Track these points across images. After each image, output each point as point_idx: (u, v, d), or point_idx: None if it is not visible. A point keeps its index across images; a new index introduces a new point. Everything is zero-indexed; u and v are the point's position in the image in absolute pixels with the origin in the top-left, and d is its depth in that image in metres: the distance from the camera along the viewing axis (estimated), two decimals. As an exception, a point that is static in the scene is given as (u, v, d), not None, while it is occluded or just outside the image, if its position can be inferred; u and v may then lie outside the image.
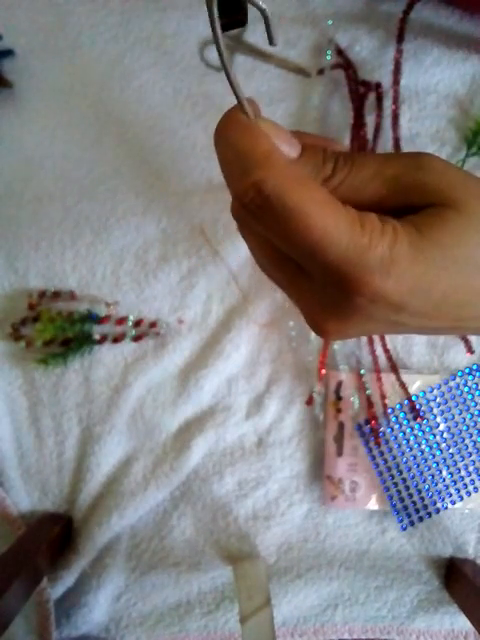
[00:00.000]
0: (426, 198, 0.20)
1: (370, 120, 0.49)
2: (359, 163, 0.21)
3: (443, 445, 0.48)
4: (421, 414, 0.48)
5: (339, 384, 0.48)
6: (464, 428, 0.48)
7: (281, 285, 0.24)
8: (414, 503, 0.48)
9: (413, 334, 0.23)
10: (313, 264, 0.20)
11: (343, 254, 0.19)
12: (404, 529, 0.48)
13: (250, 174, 0.19)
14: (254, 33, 0.49)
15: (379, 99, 0.49)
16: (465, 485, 0.48)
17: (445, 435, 0.48)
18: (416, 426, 0.48)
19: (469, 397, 0.48)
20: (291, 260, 0.21)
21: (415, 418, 0.48)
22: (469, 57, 0.49)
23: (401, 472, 0.48)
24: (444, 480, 0.48)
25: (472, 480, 0.48)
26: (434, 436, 0.48)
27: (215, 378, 0.49)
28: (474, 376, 0.48)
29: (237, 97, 0.20)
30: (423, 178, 0.20)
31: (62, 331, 0.49)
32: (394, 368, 0.48)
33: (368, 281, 0.19)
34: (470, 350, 0.49)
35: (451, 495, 0.48)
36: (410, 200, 0.20)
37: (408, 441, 0.48)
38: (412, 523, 0.48)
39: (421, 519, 0.48)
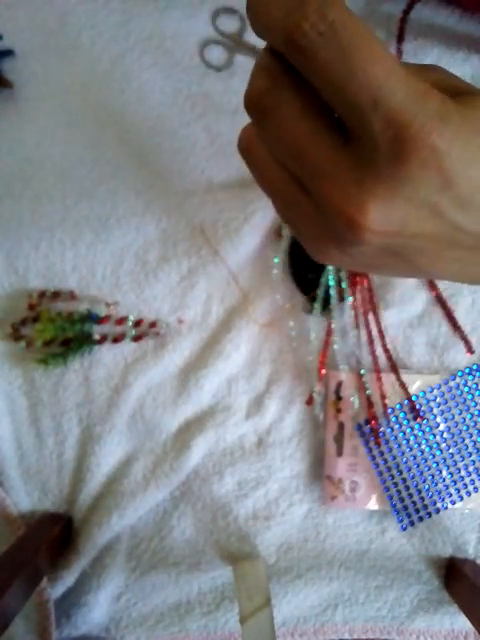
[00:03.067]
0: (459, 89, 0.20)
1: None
2: (426, 70, 0.20)
3: (443, 445, 0.48)
4: (421, 414, 0.48)
5: (339, 384, 0.48)
6: (464, 428, 0.48)
7: (306, 180, 0.21)
8: (414, 503, 0.48)
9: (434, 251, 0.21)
10: (370, 111, 0.18)
11: (403, 98, 0.17)
12: (404, 529, 0.48)
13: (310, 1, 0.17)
14: (254, 33, 0.49)
15: (379, 99, 0.49)
16: (465, 485, 0.48)
17: (445, 435, 0.48)
18: (416, 426, 0.48)
19: (469, 397, 0.48)
20: (327, 132, 0.20)
21: (415, 418, 0.48)
22: (469, 57, 0.49)
23: (401, 472, 0.48)
24: (444, 480, 0.48)
25: (472, 480, 0.48)
26: (434, 436, 0.48)
27: (215, 378, 0.49)
28: (474, 376, 0.48)
29: None
30: (448, 79, 0.20)
31: (62, 331, 0.49)
32: (394, 368, 0.48)
33: (428, 131, 0.17)
34: (470, 350, 0.49)
35: (451, 495, 0.48)
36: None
37: (408, 441, 0.48)
38: (412, 523, 0.48)
39: (421, 519, 0.48)
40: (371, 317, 0.49)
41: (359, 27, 0.17)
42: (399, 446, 0.48)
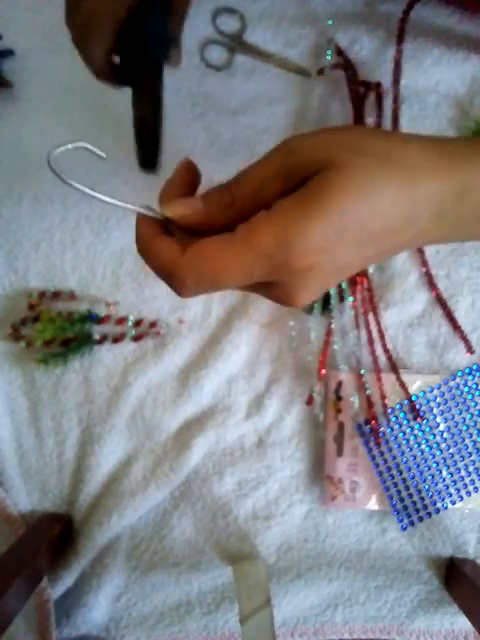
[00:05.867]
0: (311, 171, 0.23)
1: (370, 120, 0.49)
2: (244, 177, 0.24)
3: (443, 445, 0.48)
4: (421, 414, 0.48)
5: (339, 384, 0.48)
6: (464, 428, 0.48)
7: (256, 293, 0.28)
8: (414, 503, 0.48)
9: (367, 265, 0.27)
10: (253, 283, 0.25)
11: (260, 265, 0.23)
12: (404, 529, 0.48)
13: (173, 281, 0.24)
14: (254, 33, 0.49)
15: (379, 99, 0.49)
16: (465, 485, 0.48)
17: (445, 435, 0.48)
18: (416, 426, 0.48)
19: (469, 397, 0.48)
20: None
21: (415, 418, 0.48)
22: (469, 57, 0.49)
23: (401, 472, 0.48)
24: (444, 480, 0.48)
25: (472, 480, 0.48)
26: (434, 436, 0.48)
27: (215, 378, 0.49)
28: (474, 376, 0.48)
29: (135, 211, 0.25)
30: (297, 159, 0.23)
31: (62, 331, 0.49)
32: (394, 368, 0.48)
33: (288, 263, 0.23)
34: (470, 350, 0.49)
35: (451, 495, 0.48)
36: (301, 178, 0.23)
37: (408, 441, 0.48)
38: (412, 523, 0.48)
39: (421, 519, 0.48)
40: (371, 317, 0.49)
41: (204, 267, 0.23)
42: (399, 446, 0.48)
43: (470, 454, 0.48)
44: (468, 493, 0.48)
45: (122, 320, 0.49)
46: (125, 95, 0.51)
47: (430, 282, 0.49)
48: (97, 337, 0.49)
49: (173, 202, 0.26)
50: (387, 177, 0.23)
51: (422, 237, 0.26)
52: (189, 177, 0.28)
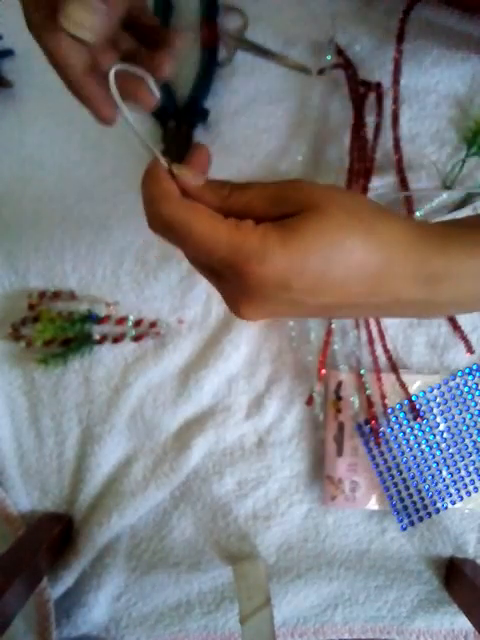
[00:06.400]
0: (298, 207, 0.25)
1: (370, 120, 0.49)
2: (247, 187, 0.27)
3: (443, 445, 0.48)
4: (421, 414, 0.48)
5: (339, 384, 0.48)
6: (464, 428, 0.48)
7: (208, 280, 0.30)
8: (414, 503, 0.48)
9: (325, 316, 0.28)
10: (211, 262, 0.26)
11: (226, 250, 0.25)
12: (404, 529, 0.48)
13: (153, 205, 0.26)
14: (254, 32, 0.49)
15: (379, 99, 0.49)
16: (465, 485, 0.48)
17: (445, 435, 0.48)
18: (416, 426, 0.48)
19: (469, 397, 0.48)
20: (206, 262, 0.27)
21: (415, 418, 0.48)
22: (469, 57, 0.49)
23: (401, 472, 0.48)
24: (444, 480, 0.48)
25: (472, 480, 0.48)
26: (434, 436, 0.48)
27: (215, 378, 0.49)
28: (474, 376, 0.48)
29: (154, 153, 0.27)
30: (294, 194, 0.26)
31: (62, 331, 0.49)
32: (394, 368, 0.48)
33: (249, 267, 0.24)
34: (470, 350, 0.49)
35: (451, 495, 0.48)
36: (288, 210, 0.26)
37: (408, 441, 0.48)
38: (412, 523, 0.48)
39: (421, 519, 0.48)
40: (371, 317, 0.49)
41: (184, 215, 0.25)
42: (399, 446, 0.48)
43: (470, 454, 0.48)
44: (468, 493, 0.48)
45: (122, 320, 0.49)
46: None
47: (430, 282, 0.49)
48: (97, 337, 0.49)
49: (182, 166, 0.27)
50: (361, 240, 0.25)
51: (401, 305, 0.27)
52: (202, 160, 0.29)
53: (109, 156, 0.50)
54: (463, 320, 0.49)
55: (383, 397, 0.48)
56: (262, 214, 0.26)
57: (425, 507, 0.48)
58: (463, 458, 0.48)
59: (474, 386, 0.48)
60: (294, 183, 0.26)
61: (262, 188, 0.26)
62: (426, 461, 0.48)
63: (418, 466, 0.48)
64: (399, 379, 0.48)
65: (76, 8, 0.26)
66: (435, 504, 0.48)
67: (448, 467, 0.48)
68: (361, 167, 0.48)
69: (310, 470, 0.49)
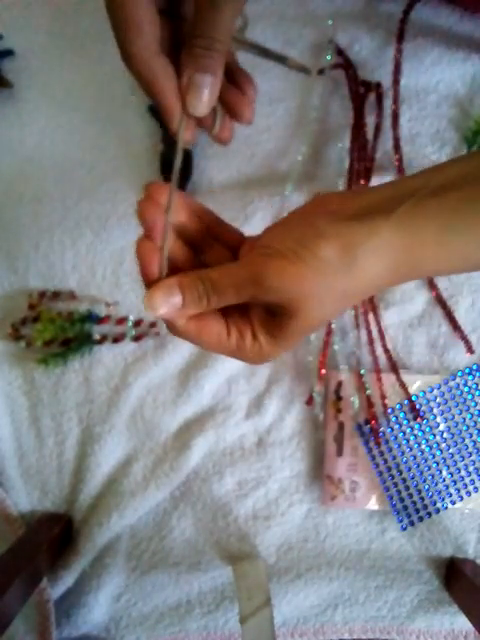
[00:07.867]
0: (274, 302, 0.28)
1: (370, 120, 0.49)
2: (221, 291, 0.28)
3: (443, 445, 0.48)
4: (421, 414, 0.48)
5: (339, 384, 0.48)
6: (464, 428, 0.48)
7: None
8: (414, 503, 0.48)
9: None
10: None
11: (232, 354, 0.30)
12: (404, 529, 0.48)
13: (167, 324, 0.29)
14: (253, 32, 0.49)
15: (379, 99, 0.49)
16: (465, 485, 0.48)
17: (445, 435, 0.48)
18: (416, 426, 0.48)
19: (469, 397, 0.48)
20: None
21: (415, 418, 0.48)
22: (469, 57, 0.49)
23: (401, 472, 0.48)
24: (444, 480, 0.48)
25: (472, 480, 0.48)
26: (434, 436, 0.48)
27: (215, 378, 0.49)
28: (474, 376, 0.48)
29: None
30: (265, 297, 0.27)
31: (62, 331, 0.49)
32: (394, 368, 0.48)
33: (252, 362, 0.31)
34: (470, 350, 0.49)
35: (451, 495, 0.48)
36: (265, 302, 0.28)
37: (408, 441, 0.48)
38: (412, 523, 0.48)
39: (421, 519, 0.48)
40: (371, 317, 0.49)
41: (192, 334, 0.29)
42: (399, 446, 0.48)
43: (470, 454, 0.48)
44: (468, 493, 0.48)
45: (122, 320, 0.49)
46: (125, 95, 0.51)
47: (430, 282, 0.49)
48: (97, 337, 0.49)
49: (156, 298, 0.28)
50: (331, 301, 0.28)
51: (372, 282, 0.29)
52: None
53: (109, 156, 0.50)
54: (463, 320, 0.49)
55: (383, 397, 0.48)
56: (244, 301, 0.29)
57: (425, 507, 0.48)
58: (463, 458, 0.48)
59: (474, 386, 0.48)
60: (262, 279, 0.27)
61: (235, 292, 0.28)
62: (426, 461, 0.48)
63: (418, 466, 0.48)
64: (399, 379, 0.48)
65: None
66: (435, 504, 0.48)
67: (448, 467, 0.48)
68: (361, 167, 0.48)
69: (310, 470, 0.49)
